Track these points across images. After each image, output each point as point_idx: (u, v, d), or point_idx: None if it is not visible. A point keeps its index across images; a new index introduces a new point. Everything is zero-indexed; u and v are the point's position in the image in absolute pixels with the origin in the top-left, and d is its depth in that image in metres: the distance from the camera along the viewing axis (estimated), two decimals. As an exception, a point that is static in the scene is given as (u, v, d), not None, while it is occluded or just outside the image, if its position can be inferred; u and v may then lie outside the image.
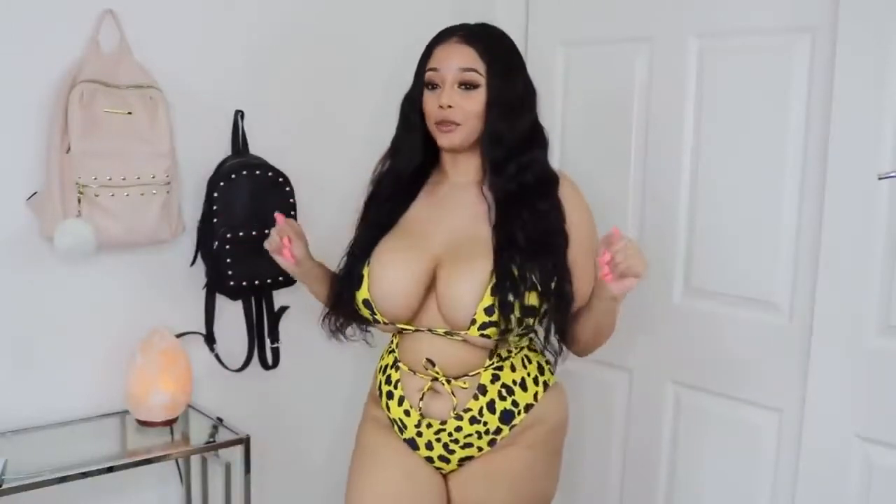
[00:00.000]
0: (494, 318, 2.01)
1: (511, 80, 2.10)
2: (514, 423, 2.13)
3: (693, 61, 2.58)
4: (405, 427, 2.16)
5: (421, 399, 2.11)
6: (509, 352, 2.14)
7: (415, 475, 2.16)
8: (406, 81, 2.17)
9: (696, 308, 2.63)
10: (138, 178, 2.29)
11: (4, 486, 2.04)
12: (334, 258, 2.28)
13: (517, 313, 2.00)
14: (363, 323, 2.21)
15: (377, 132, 2.21)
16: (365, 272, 2.10)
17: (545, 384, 2.19)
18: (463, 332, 2.05)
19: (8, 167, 2.25)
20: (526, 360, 2.18)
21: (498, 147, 2.09)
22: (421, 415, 2.12)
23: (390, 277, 2.08)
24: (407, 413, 2.14)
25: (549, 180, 2.14)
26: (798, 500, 2.41)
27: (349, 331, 2.26)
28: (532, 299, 2.02)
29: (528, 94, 2.14)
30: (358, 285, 2.11)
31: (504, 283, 2.00)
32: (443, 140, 2.10)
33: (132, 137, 2.28)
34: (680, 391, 2.69)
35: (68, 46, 2.27)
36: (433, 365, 2.09)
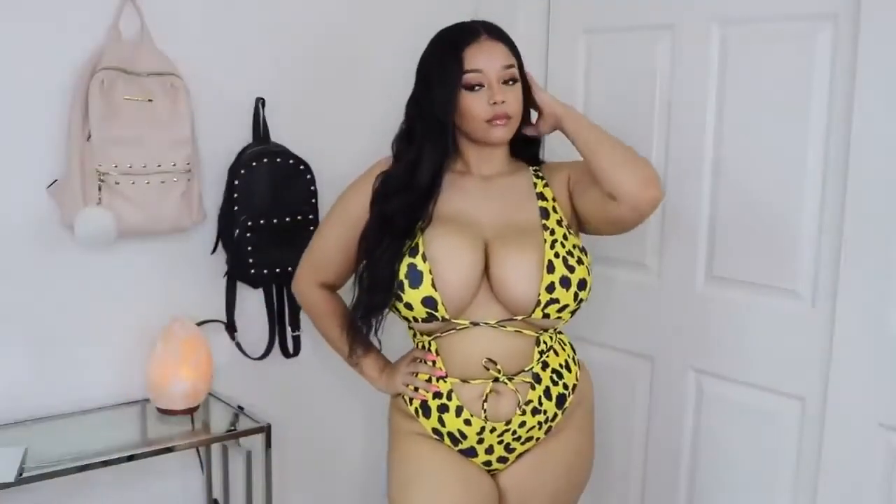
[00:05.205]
0: (555, 295, 2.05)
1: (523, 73, 2.17)
2: (565, 405, 2.18)
3: (715, 48, 2.56)
4: (464, 437, 2.13)
5: (485, 401, 2.09)
6: (550, 338, 2.17)
7: (474, 484, 2.14)
8: (427, 69, 2.17)
9: (718, 296, 2.61)
10: (159, 166, 2.30)
11: (25, 475, 2.05)
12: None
13: (575, 287, 2.08)
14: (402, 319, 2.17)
15: (399, 119, 2.21)
16: (424, 268, 2.05)
17: (578, 363, 2.26)
18: (521, 317, 2.08)
19: (29, 155, 2.26)
20: (562, 343, 2.22)
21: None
22: (486, 419, 2.10)
23: (454, 262, 2.05)
24: (467, 423, 2.11)
25: None
26: (820, 488, 2.40)
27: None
28: (582, 272, 2.10)
29: None
30: (416, 283, 2.05)
31: (559, 259, 2.08)
32: (498, 134, 2.10)
33: (152, 125, 2.29)
34: (702, 379, 2.68)
35: (89, 34, 2.28)
36: (494, 364, 2.09)
